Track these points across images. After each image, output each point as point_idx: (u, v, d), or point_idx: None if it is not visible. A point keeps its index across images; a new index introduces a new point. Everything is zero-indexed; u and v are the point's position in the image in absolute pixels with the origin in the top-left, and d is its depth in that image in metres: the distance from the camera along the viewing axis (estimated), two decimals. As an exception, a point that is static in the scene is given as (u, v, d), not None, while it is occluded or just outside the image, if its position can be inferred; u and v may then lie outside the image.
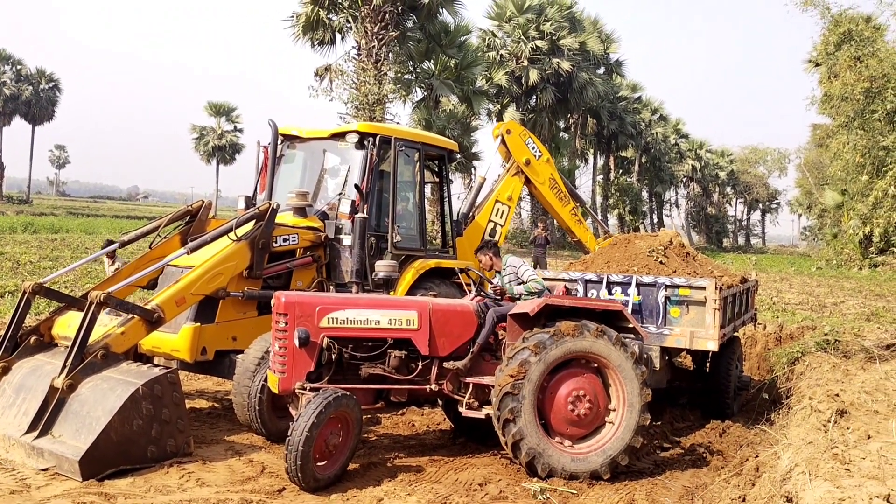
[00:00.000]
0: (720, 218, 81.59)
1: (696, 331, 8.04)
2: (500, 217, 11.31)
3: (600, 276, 8.54)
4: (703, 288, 7.96)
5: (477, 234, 11.00)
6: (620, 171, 63.85)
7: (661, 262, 8.87)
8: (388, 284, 8.54)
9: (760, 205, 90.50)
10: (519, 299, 7.33)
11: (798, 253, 65.03)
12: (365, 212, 8.73)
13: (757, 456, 6.65)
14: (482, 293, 7.44)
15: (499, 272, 7.68)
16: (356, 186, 8.72)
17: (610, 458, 6.49)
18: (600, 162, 62.92)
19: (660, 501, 6.10)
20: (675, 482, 6.64)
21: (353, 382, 6.58)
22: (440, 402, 7.77)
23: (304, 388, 6.27)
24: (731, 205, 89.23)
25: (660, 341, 8.14)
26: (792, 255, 57.68)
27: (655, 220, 72.40)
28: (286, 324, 6.36)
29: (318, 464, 5.89)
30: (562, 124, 50.36)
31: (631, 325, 6.87)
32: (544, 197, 11.96)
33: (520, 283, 7.46)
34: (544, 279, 8.17)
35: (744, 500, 5.67)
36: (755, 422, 8.64)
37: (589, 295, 8.46)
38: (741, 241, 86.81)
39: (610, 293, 8.41)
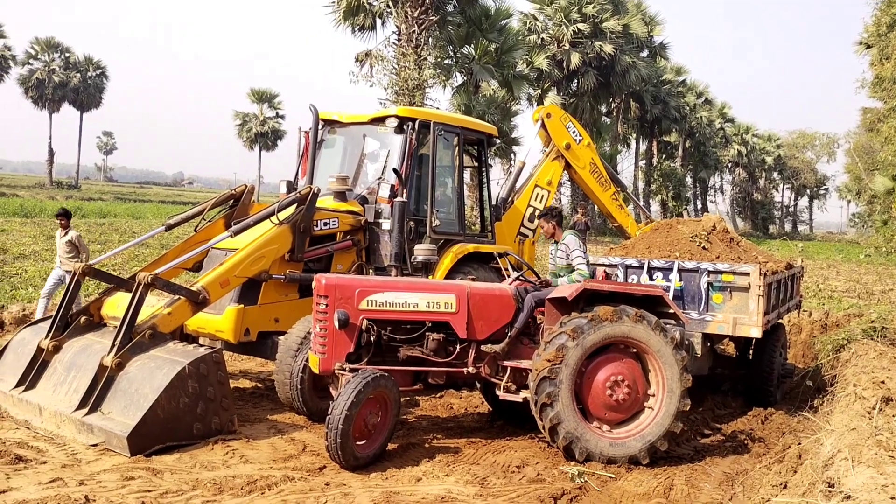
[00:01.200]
0: (766, 204, 79.99)
1: (739, 317, 7.93)
2: (540, 202, 11.24)
3: (641, 261, 8.46)
4: (747, 274, 7.85)
5: (516, 219, 10.98)
6: (663, 156, 62.91)
7: (703, 248, 8.76)
8: (426, 268, 8.60)
9: (808, 191, 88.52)
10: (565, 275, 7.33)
11: (846, 240, 63.56)
12: (404, 196, 8.77)
13: (800, 443, 6.55)
14: (521, 277, 7.43)
15: (556, 242, 7.59)
16: (395, 170, 8.75)
17: (649, 444, 6.47)
18: (643, 147, 62.09)
19: (699, 487, 6.07)
20: (715, 468, 6.60)
21: (391, 364, 6.66)
22: (478, 386, 7.80)
23: (344, 369, 6.36)
24: (777, 191, 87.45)
25: (702, 328, 8.05)
26: (840, 243, 56.39)
27: (699, 207, 71.30)
28: (326, 305, 6.46)
29: (358, 443, 5.98)
30: (604, 109, 49.76)
31: (672, 311, 6.82)
32: (585, 182, 11.84)
33: (566, 263, 7.39)
34: (597, 264, 8.18)
35: (785, 486, 5.60)
36: (798, 409, 8.52)
37: (630, 280, 8.40)
38: (788, 227, 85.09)
39: (651, 278, 8.34)
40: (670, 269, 8.26)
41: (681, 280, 8.21)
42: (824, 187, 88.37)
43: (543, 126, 11.39)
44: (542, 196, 11.30)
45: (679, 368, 6.54)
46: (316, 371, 6.57)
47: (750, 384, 9.09)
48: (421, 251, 8.47)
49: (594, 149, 12.02)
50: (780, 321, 9.45)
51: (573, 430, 6.34)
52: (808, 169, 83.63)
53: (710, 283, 8.04)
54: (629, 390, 6.54)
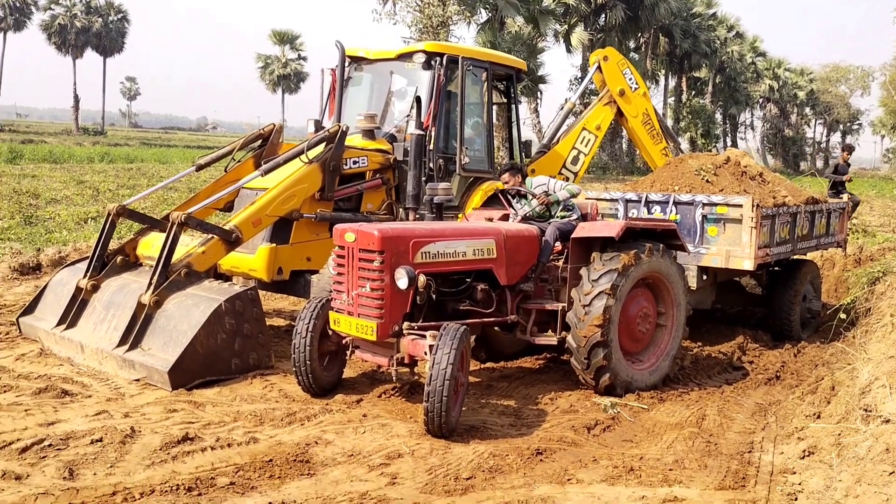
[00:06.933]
0: (798, 140, 78.32)
1: (733, 249, 7.85)
2: (585, 146, 10.97)
3: (639, 195, 8.45)
4: (740, 205, 7.75)
5: (557, 160, 10.73)
6: (693, 92, 61.63)
7: (707, 181, 8.61)
8: (439, 209, 8.25)
9: (841, 126, 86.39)
10: (556, 214, 7.15)
11: (880, 176, 62.23)
12: (432, 131, 8.65)
13: (833, 375, 6.55)
14: (526, 214, 7.19)
15: (524, 196, 7.29)
16: (417, 98, 8.39)
17: (672, 359, 6.99)
18: (672, 83, 60.80)
19: (732, 417, 6.10)
20: (747, 399, 6.63)
21: (440, 321, 5.87)
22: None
23: (413, 329, 5.72)
24: (809, 126, 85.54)
25: (696, 260, 8.00)
26: (873, 178, 55.23)
27: (729, 143, 69.98)
28: (382, 262, 5.67)
29: None
30: (632, 44, 48.68)
31: (680, 242, 7.10)
32: (635, 132, 11.47)
33: (546, 199, 7.14)
34: (588, 199, 8.11)
35: (819, 416, 5.63)
36: (831, 342, 8.48)
37: (630, 214, 8.43)
38: (819, 163, 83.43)
39: (649, 212, 8.33)
40: (667, 203, 8.20)
41: (677, 213, 8.15)
42: (858, 122, 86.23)
43: (599, 69, 11.13)
44: (589, 140, 11.00)
45: (683, 282, 6.99)
46: (370, 338, 5.74)
47: (769, 321, 9.07)
48: (437, 191, 8.15)
49: (649, 99, 11.61)
50: (803, 258, 9.32)
51: (626, 377, 6.51)
52: (842, 103, 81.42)
53: (704, 216, 7.98)
54: (651, 319, 6.83)
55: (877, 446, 3.54)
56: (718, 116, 66.10)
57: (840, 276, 11.87)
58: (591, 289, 6.31)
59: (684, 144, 55.68)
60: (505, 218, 7.37)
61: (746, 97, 67.24)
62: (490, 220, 7.31)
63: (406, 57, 9.18)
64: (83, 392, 5.97)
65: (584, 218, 7.27)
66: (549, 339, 6.69)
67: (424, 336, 5.58)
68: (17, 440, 4.86)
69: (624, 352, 6.58)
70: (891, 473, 3.29)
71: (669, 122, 57.52)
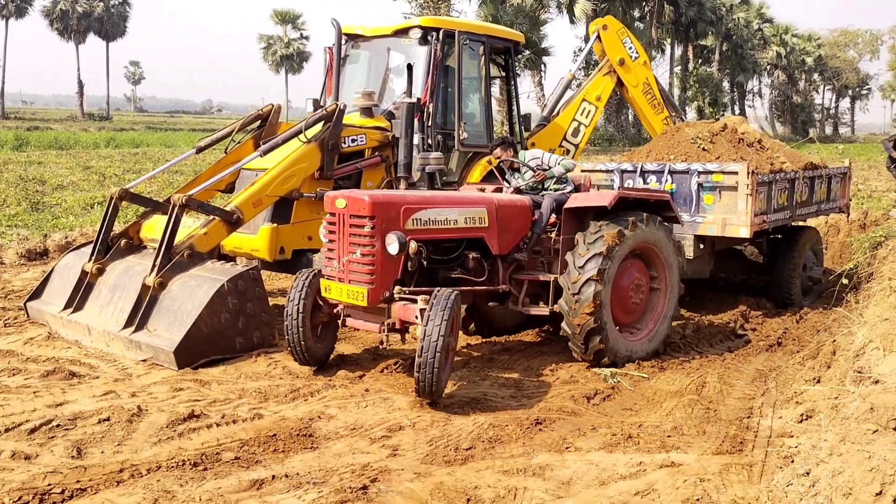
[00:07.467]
0: (806, 107, 77.63)
1: (729, 217, 7.82)
2: (586, 117, 10.90)
3: (634, 165, 8.42)
4: (735, 173, 7.72)
5: (557, 132, 10.70)
6: (699, 60, 61.10)
7: (703, 150, 8.57)
8: (432, 179, 8.29)
9: (850, 91, 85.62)
10: (549, 187, 7.16)
11: (890, 140, 61.67)
12: (429, 107, 8.65)
13: (834, 340, 6.57)
14: (520, 186, 7.19)
15: (517, 170, 7.32)
16: (409, 66, 8.39)
17: (670, 321, 7.04)
18: (678, 52, 60.33)
19: (732, 384, 6.15)
20: (747, 366, 6.67)
21: (432, 287, 5.93)
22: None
23: (404, 294, 5.74)
24: (818, 92, 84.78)
25: (693, 230, 7.98)
26: (882, 144, 54.82)
27: (737, 112, 69.47)
28: (373, 227, 5.72)
29: None
30: (636, 13, 48.18)
31: (673, 213, 7.07)
32: (636, 102, 11.41)
33: (541, 174, 7.14)
34: (582, 171, 8.13)
35: (818, 381, 5.66)
36: (834, 307, 8.49)
37: (626, 184, 8.37)
38: (829, 130, 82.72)
39: (645, 182, 8.30)
40: (662, 172, 8.18)
41: (672, 182, 8.13)
42: (867, 87, 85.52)
43: (599, 38, 11.05)
44: (590, 111, 10.93)
45: (672, 243, 6.96)
46: (361, 304, 5.74)
47: (771, 289, 9.08)
48: (428, 160, 7.98)
49: (650, 68, 11.54)
50: (804, 224, 9.30)
51: (625, 351, 6.55)
52: (850, 68, 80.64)
53: (700, 185, 7.95)
54: (643, 287, 6.83)
55: (863, 406, 3.58)
56: (726, 85, 65.64)
57: (844, 241, 11.86)
58: (579, 276, 6.27)
59: (691, 114, 55.36)
60: (498, 191, 7.39)
61: (754, 64, 66.63)
62: (482, 190, 7.33)
63: (402, 33, 9.19)
64: (91, 373, 6.07)
65: (577, 190, 7.27)
66: (542, 310, 6.69)
67: (415, 300, 5.60)
68: (26, 421, 4.96)
69: (620, 326, 6.60)
70: (874, 432, 3.35)
71: (676, 92, 57.15)
